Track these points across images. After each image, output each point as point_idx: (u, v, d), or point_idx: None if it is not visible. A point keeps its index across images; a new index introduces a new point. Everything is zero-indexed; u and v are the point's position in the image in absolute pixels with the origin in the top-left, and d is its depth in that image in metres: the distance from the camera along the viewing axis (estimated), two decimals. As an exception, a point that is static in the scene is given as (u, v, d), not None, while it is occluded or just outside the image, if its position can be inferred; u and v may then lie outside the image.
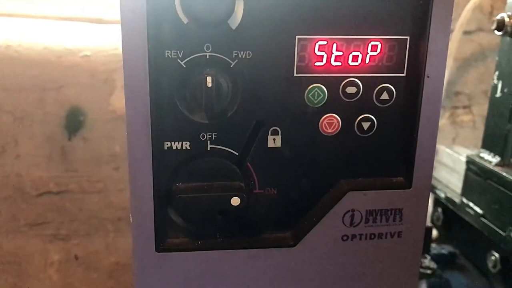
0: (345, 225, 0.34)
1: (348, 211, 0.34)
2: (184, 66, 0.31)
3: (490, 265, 0.57)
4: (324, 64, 0.32)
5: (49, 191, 0.76)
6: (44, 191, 0.75)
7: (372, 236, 0.35)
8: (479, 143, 0.60)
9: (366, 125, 0.34)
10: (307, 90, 0.33)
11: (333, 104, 0.33)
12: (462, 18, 0.74)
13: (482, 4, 0.75)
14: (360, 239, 0.35)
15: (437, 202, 0.68)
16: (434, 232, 0.71)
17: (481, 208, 0.57)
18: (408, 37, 0.32)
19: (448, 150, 0.67)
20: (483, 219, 0.56)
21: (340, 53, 0.32)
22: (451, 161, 0.66)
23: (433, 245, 0.68)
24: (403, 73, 0.33)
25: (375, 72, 0.33)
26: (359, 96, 0.33)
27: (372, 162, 0.35)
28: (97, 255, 0.80)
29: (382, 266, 0.35)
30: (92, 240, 0.79)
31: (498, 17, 0.54)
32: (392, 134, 0.34)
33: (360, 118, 0.34)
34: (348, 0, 0.32)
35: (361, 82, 0.33)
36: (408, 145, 0.34)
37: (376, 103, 0.33)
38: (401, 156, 0.35)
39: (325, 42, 0.32)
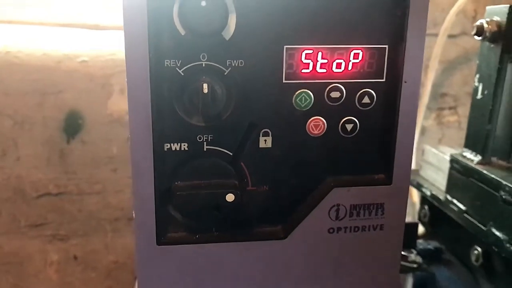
0: (331, 219, 0.37)
1: (334, 205, 0.37)
2: (182, 74, 0.34)
3: (473, 259, 0.58)
4: (310, 71, 0.35)
5: (49, 193, 0.77)
6: (43, 193, 0.77)
7: (356, 229, 0.37)
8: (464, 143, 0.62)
9: (349, 126, 0.36)
10: (295, 95, 0.36)
11: (319, 107, 0.36)
12: (447, 23, 0.77)
13: (466, 9, 0.78)
14: (345, 231, 0.37)
15: (424, 200, 0.70)
16: (421, 229, 0.73)
17: (464, 205, 0.59)
18: (387, 46, 0.35)
19: (433, 150, 0.69)
20: (466, 215, 0.58)
21: (325, 61, 0.35)
22: (436, 160, 0.68)
23: (420, 241, 0.70)
24: (383, 79, 0.36)
25: (357, 78, 0.36)
26: (342, 100, 0.36)
27: (355, 161, 0.37)
28: (96, 255, 0.81)
29: (366, 256, 0.38)
30: (91, 240, 0.80)
31: (478, 23, 0.57)
32: (373, 135, 0.37)
33: (344, 120, 0.36)
34: (332, 13, 0.34)
35: (344, 87, 0.36)
36: (388, 144, 0.36)
37: (358, 106, 0.36)
38: (381, 155, 0.37)
39: (311, 51, 0.35)
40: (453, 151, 0.65)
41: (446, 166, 0.63)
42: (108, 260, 0.82)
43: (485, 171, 0.56)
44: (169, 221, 0.36)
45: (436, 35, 0.78)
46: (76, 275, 0.82)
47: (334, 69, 0.35)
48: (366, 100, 0.36)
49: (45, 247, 0.80)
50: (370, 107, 0.36)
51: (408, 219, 0.82)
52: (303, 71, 0.35)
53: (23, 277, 0.80)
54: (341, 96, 0.36)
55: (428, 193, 0.67)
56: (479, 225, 0.56)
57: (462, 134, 0.62)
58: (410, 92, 0.35)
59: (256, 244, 0.37)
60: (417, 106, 0.35)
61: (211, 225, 0.37)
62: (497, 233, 0.53)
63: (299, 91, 0.36)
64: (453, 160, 0.62)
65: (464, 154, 0.61)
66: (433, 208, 0.67)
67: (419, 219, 0.72)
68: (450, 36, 0.79)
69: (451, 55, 0.81)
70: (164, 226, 0.36)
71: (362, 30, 0.35)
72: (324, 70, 0.35)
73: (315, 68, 0.35)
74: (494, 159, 0.59)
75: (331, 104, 0.36)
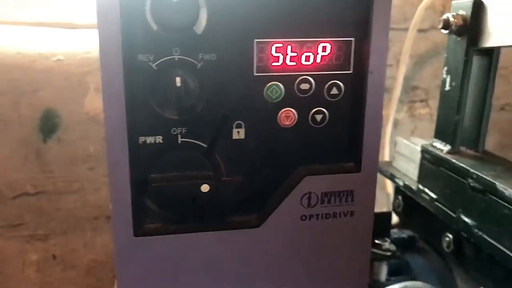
0: (303, 207, 0.38)
1: (306, 193, 0.38)
2: (155, 68, 0.35)
3: (444, 245, 0.60)
4: (280, 64, 0.36)
5: (26, 193, 0.77)
6: (20, 193, 0.76)
7: (328, 216, 0.39)
8: (435, 134, 0.64)
9: (319, 117, 0.38)
10: (266, 87, 0.37)
11: (289, 99, 0.37)
12: (416, 17, 0.79)
13: (434, 4, 0.80)
14: (317, 219, 0.39)
15: (398, 190, 0.71)
16: (395, 218, 0.75)
17: (435, 193, 0.61)
18: (353, 39, 0.37)
19: (405, 141, 0.71)
20: (437, 203, 0.60)
21: (295, 54, 0.36)
22: (408, 152, 0.70)
23: (394, 230, 0.73)
24: (350, 70, 0.37)
25: (325, 70, 0.37)
26: (312, 91, 0.37)
27: (326, 150, 0.39)
28: (75, 253, 0.81)
29: (338, 242, 0.39)
30: (70, 239, 0.80)
31: (444, 17, 0.59)
32: (342, 125, 0.38)
33: (314, 111, 0.38)
34: (301, 7, 0.35)
35: (313, 79, 0.37)
36: (356, 133, 0.38)
37: (327, 97, 0.38)
38: (350, 144, 0.39)
39: (281, 45, 0.36)
40: (424, 142, 0.67)
41: (418, 156, 0.65)
42: (88, 259, 0.82)
43: (454, 160, 0.58)
44: (145, 212, 0.37)
45: (406, 29, 0.81)
46: (56, 274, 0.82)
47: (303, 61, 0.37)
48: (334, 91, 0.37)
49: (24, 247, 0.79)
50: (339, 98, 0.38)
51: (383, 209, 0.84)
52: (273, 64, 0.36)
53: (2, 278, 0.80)
54: (311, 88, 0.37)
55: (401, 183, 0.68)
56: (449, 212, 0.58)
57: (434, 126, 0.64)
58: (376, 83, 0.36)
59: (231, 233, 0.38)
60: (383, 96, 0.37)
61: (187, 216, 0.38)
62: (466, 219, 0.55)
63: (270, 83, 0.37)
64: (424, 151, 0.63)
65: (434, 144, 0.63)
66: (406, 198, 0.69)
67: (394, 209, 0.74)
68: (420, 31, 0.81)
69: (421, 49, 0.84)
70: (140, 218, 0.37)
71: (329, 24, 0.36)
72: (294, 63, 0.36)
73: (285, 61, 0.36)
74: (463, 148, 0.62)
75: (301, 95, 0.37)
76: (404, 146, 0.71)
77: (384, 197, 0.85)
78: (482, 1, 0.57)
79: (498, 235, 0.50)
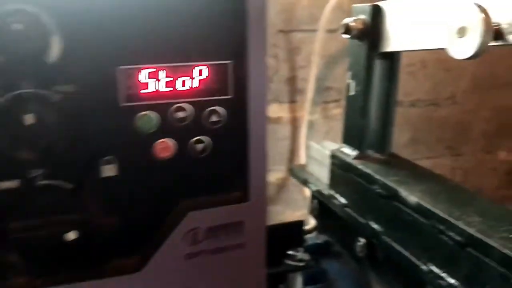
0: (189, 244, 0.35)
1: (190, 230, 0.35)
2: (3, 104, 0.30)
3: (358, 250, 0.60)
4: (152, 91, 0.33)
5: None
6: None
7: (216, 251, 0.36)
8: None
9: (199, 146, 0.35)
10: (137, 117, 0.33)
11: (165, 129, 0.34)
12: (324, 18, 0.78)
13: (342, 3, 0.80)
14: (205, 255, 0.36)
15: (313, 194, 0.72)
16: (313, 222, 0.75)
17: (345, 199, 0.60)
18: (231, 62, 0.34)
19: (316, 146, 0.70)
20: (347, 209, 0.60)
21: (169, 79, 0.33)
22: (320, 156, 0.69)
23: (310, 235, 0.72)
24: (230, 95, 0.35)
25: (203, 96, 0.34)
26: (190, 119, 0.34)
27: (210, 181, 0.36)
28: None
29: (229, 278, 0.37)
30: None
31: (345, 21, 0.58)
32: (225, 153, 0.36)
33: (194, 141, 0.35)
34: (171, 30, 0.32)
35: (191, 106, 0.34)
36: (241, 161, 0.35)
37: (207, 125, 0.35)
38: (236, 172, 0.36)
39: (152, 70, 0.33)
40: (334, 147, 0.66)
41: (328, 160, 0.64)
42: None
43: (360, 166, 0.58)
44: (7, 267, 0.33)
45: (315, 31, 0.79)
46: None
47: (178, 87, 0.33)
48: (214, 118, 0.35)
49: None
50: (220, 124, 0.35)
51: (303, 211, 0.83)
52: (144, 91, 0.33)
53: None
54: (188, 116, 0.34)
55: (314, 188, 0.68)
56: (359, 218, 0.58)
57: None
58: (257, 106, 0.34)
59: (109, 280, 0.35)
60: (266, 120, 0.34)
61: (56, 267, 0.34)
62: (375, 225, 0.55)
63: (141, 113, 0.33)
64: (333, 156, 0.63)
65: (343, 149, 0.62)
66: (321, 203, 0.68)
67: (310, 213, 0.74)
68: (330, 31, 0.80)
69: (332, 49, 0.83)
70: (1, 273, 0.32)
71: (204, 46, 0.33)
72: (168, 89, 0.33)
73: (158, 88, 0.33)
74: (370, 152, 0.61)
75: (178, 124, 0.34)
76: (316, 150, 0.70)
77: (303, 200, 0.84)
78: (380, 6, 0.56)
79: (404, 242, 0.50)
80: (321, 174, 0.69)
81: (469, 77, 0.91)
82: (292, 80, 0.82)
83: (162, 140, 0.34)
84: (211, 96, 0.34)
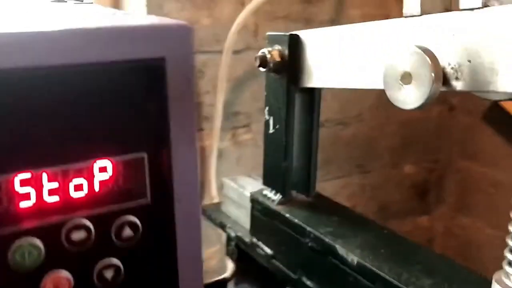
0: None
1: None
2: None
3: None
4: (33, 204, 0.23)
5: None
6: None
7: None
8: (261, 161, 0.56)
9: (109, 274, 0.25)
10: (12, 249, 0.23)
11: (56, 259, 0.23)
12: (229, 40, 0.71)
13: (247, 24, 0.72)
14: None
15: (230, 237, 0.64)
16: (231, 266, 0.67)
17: (271, 249, 0.55)
18: (145, 154, 0.24)
19: (232, 184, 0.63)
20: (274, 261, 0.54)
21: (56, 185, 0.23)
22: (237, 196, 0.63)
23: (230, 284, 0.65)
24: (147, 198, 0.25)
25: (109, 203, 0.24)
26: (92, 240, 0.24)
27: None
28: None
29: None
30: None
31: (260, 53, 0.51)
32: (147, 276, 0.26)
33: (100, 268, 0.25)
34: (56, 117, 0.22)
35: (91, 221, 0.24)
36: (169, 283, 0.26)
37: (117, 243, 0.25)
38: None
39: (28, 175, 0.22)
40: (253, 184, 0.60)
41: (247, 203, 0.58)
42: None
43: (287, 214, 0.52)
44: None
45: (220, 52, 0.72)
46: None
47: (72, 193, 0.23)
48: (127, 232, 0.24)
49: None
50: (136, 240, 0.25)
51: (217, 247, 0.75)
52: (20, 206, 0.22)
53: None
54: (89, 236, 0.24)
55: (233, 234, 0.62)
56: (288, 272, 0.52)
57: (259, 152, 0.57)
58: (187, 211, 0.25)
59: None
60: (200, 230, 0.26)
61: None
62: (308, 282, 0.50)
63: (17, 242, 0.22)
64: (253, 200, 0.57)
65: (264, 192, 0.57)
66: (241, 247, 0.62)
67: (227, 254, 0.66)
68: (235, 52, 0.73)
69: (238, 72, 0.76)
70: None
71: (106, 135, 0.23)
72: (56, 199, 0.23)
73: (41, 198, 0.23)
74: (294, 193, 0.56)
75: (76, 250, 0.24)
76: (232, 189, 0.64)
77: (215, 235, 0.76)
78: (299, 36, 0.50)
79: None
80: (240, 217, 0.62)
81: (375, 94, 0.90)
82: (197, 107, 0.74)
83: (54, 275, 0.23)
84: (121, 203, 0.24)
